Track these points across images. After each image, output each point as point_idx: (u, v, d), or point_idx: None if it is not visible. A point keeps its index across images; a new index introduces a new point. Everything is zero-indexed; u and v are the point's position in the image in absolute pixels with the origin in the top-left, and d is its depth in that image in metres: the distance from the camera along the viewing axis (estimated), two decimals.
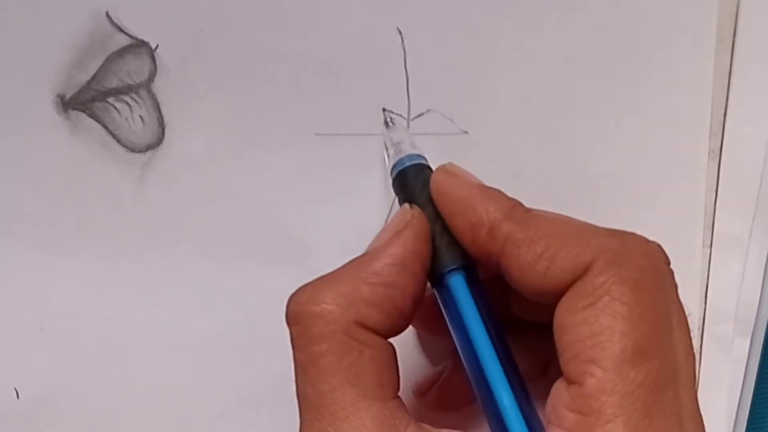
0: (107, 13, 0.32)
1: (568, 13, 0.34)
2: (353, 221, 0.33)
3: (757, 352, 0.35)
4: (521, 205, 0.26)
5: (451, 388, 0.31)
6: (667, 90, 0.34)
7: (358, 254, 0.26)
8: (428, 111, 0.34)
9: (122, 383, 0.34)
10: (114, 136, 0.33)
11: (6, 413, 0.34)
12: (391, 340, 0.25)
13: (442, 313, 0.27)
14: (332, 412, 0.23)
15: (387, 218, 0.33)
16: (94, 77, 0.33)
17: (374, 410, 0.23)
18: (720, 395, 0.34)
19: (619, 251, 0.24)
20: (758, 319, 0.34)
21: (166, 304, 0.34)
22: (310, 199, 0.34)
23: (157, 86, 0.33)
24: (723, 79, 0.34)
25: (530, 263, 0.24)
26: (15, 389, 0.34)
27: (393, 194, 0.30)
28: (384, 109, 0.33)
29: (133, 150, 0.33)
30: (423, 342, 0.34)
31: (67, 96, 0.33)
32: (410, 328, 0.32)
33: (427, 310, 0.28)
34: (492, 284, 0.27)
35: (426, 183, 0.28)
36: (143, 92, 0.33)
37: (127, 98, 0.33)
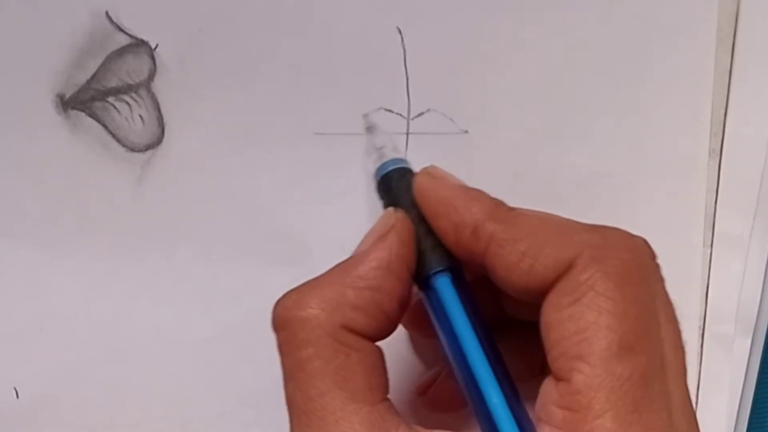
0: (107, 13, 0.32)
1: (568, 13, 0.34)
2: (353, 221, 0.33)
3: (758, 351, 0.35)
4: (504, 204, 0.26)
5: (448, 388, 0.31)
6: (667, 90, 0.34)
7: None
8: (428, 110, 0.34)
9: (122, 383, 0.34)
10: (114, 135, 0.33)
11: (6, 413, 0.34)
12: (385, 343, 0.25)
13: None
14: (321, 417, 0.23)
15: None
16: (93, 77, 0.33)
17: (364, 413, 0.23)
18: (721, 395, 0.34)
19: (602, 246, 0.24)
20: (759, 319, 0.34)
21: (165, 304, 0.34)
22: (310, 199, 0.34)
23: (157, 86, 0.33)
24: (723, 79, 0.34)
25: (514, 262, 0.24)
26: (15, 389, 0.34)
27: None
28: (365, 115, 0.33)
29: (132, 149, 0.33)
30: (416, 344, 0.34)
31: (67, 95, 0.33)
32: (404, 330, 0.32)
33: (418, 313, 0.28)
34: (483, 284, 0.27)
35: (409, 186, 0.28)
36: (143, 92, 0.33)
37: (126, 98, 0.33)
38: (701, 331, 0.35)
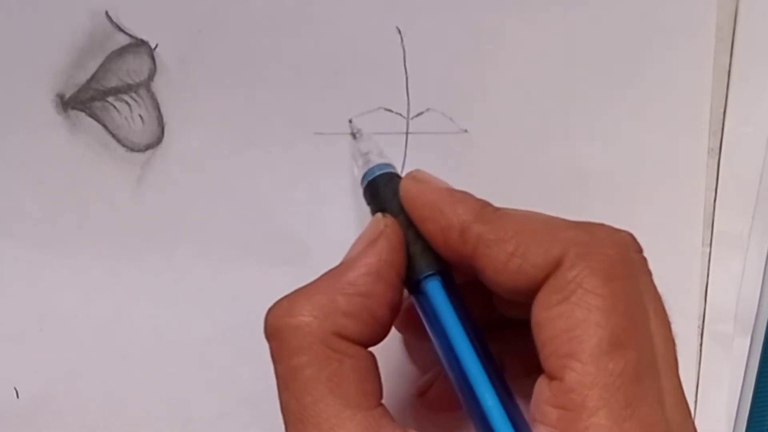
0: (107, 13, 0.32)
1: (567, 13, 0.34)
2: (353, 221, 0.33)
3: (758, 350, 0.35)
4: (490, 205, 0.26)
5: (447, 389, 0.31)
6: (666, 89, 0.34)
7: None
8: (428, 110, 0.34)
9: (122, 383, 0.34)
10: (113, 135, 0.33)
11: (5, 413, 0.33)
12: (380, 347, 0.25)
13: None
14: (316, 424, 0.23)
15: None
16: (93, 76, 0.33)
17: (358, 419, 0.23)
18: (720, 394, 0.34)
19: (587, 243, 0.24)
20: (758, 318, 0.34)
21: (165, 304, 0.34)
22: (310, 199, 0.34)
23: (157, 86, 0.33)
24: (722, 78, 0.34)
25: (503, 262, 0.24)
26: (14, 389, 0.34)
27: None
28: (350, 120, 0.33)
29: (132, 149, 0.33)
30: (410, 348, 0.34)
31: (67, 95, 0.33)
32: (398, 335, 0.32)
33: (412, 317, 0.28)
34: (475, 286, 0.27)
35: (396, 191, 0.28)
36: (143, 91, 0.33)
37: (126, 98, 0.33)
38: (700, 330, 0.35)
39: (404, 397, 0.33)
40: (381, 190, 0.29)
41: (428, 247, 0.27)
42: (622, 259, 0.24)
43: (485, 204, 0.26)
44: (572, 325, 0.23)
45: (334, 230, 0.33)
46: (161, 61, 0.33)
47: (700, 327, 0.35)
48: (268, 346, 0.25)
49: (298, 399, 0.23)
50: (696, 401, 0.34)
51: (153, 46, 0.33)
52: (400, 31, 0.33)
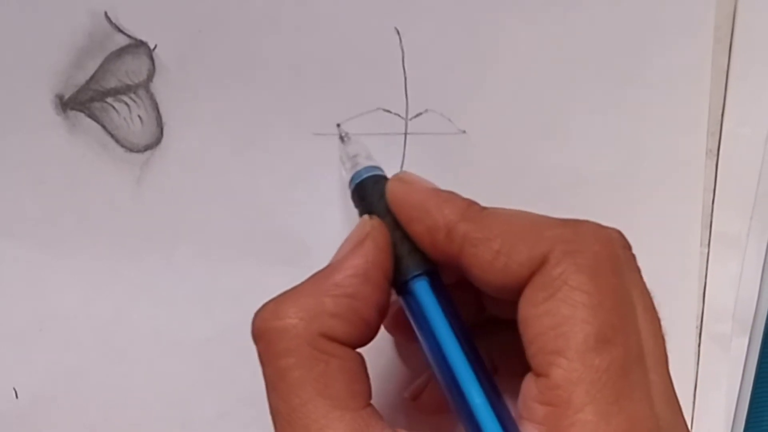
0: (106, 14, 0.32)
1: (566, 13, 0.34)
2: (353, 221, 0.33)
3: (756, 350, 0.35)
4: (476, 204, 0.26)
5: (440, 392, 0.31)
6: (664, 90, 0.34)
7: None
8: (426, 111, 0.34)
9: (122, 383, 0.34)
10: (113, 136, 0.33)
11: (5, 413, 0.33)
12: (371, 348, 0.25)
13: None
14: (305, 426, 0.23)
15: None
16: (92, 77, 0.33)
17: (347, 419, 0.23)
18: (719, 394, 0.34)
19: (573, 240, 0.24)
20: (756, 318, 0.35)
21: (165, 304, 0.34)
22: (310, 199, 0.34)
23: (156, 86, 0.33)
24: (720, 79, 0.34)
25: (489, 261, 0.25)
26: (14, 389, 0.34)
27: None
28: (338, 125, 0.33)
29: (131, 150, 0.33)
30: (401, 349, 0.34)
31: (66, 96, 0.33)
32: (388, 336, 0.32)
33: (402, 318, 0.28)
34: (464, 286, 0.27)
35: (383, 193, 0.28)
36: (142, 92, 0.33)
37: (125, 98, 0.33)
38: (699, 331, 0.35)
39: (394, 398, 0.34)
40: (368, 192, 0.29)
41: (415, 248, 0.27)
42: (608, 256, 0.24)
43: (471, 203, 0.26)
44: (558, 321, 0.23)
45: (334, 230, 0.33)
46: (160, 62, 0.33)
47: (699, 327, 0.35)
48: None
49: (286, 401, 0.24)
50: (694, 401, 0.35)
51: (152, 46, 0.33)
52: (398, 32, 0.33)
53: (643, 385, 0.23)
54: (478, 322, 0.31)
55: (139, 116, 0.33)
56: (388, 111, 0.33)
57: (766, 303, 0.35)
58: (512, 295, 0.25)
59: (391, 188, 0.28)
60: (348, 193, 0.30)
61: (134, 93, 0.33)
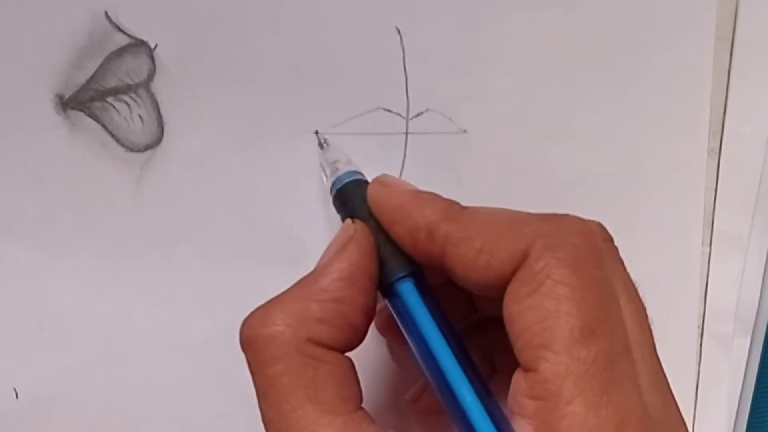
0: (106, 13, 0.32)
1: (567, 13, 0.34)
2: None
3: (758, 350, 0.35)
4: (456, 204, 0.26)
5: None
6: (666, 89, 0.34)
7: None
8: (427, 110, 0.34)
9: (122, 383, 0.34)
10: (113, 135, 0.33)
11: (5, 413, 0.34)
12: (363, 351, 0.25)
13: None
14: None
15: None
16: (93, 77, 0.33)
17: (338, 424, 0.23)
18: (720, 394, 0.34)
19: (553, 234, 0.24)
20: (758, 318, 0.34)
21: (165, 304, 0.34)
22: (310, 199, 0.34)
23: (156, 86, 0.33)
24: (722, 78, 0.34)
25: (471, 259, 0.25)
26: (14, 389, 0.34)
27: None
28: (316, 132, 0.33)
29: (132, 150, 0.33)
30: (395, 351, 0.34)
31: (66, 96, 0.33)
32: (380, 338, 0.32)
33: (393, 321, 0.28)
34: (455, 286, 0.27)
35: (365, 197, 0.28)
36: (142, 92, 0.33)
37: (126, 98, 0.33)
38: (700, 331, 0.35)
39: (386, 399, 0.34)
40: (350, 196, 0.29)
41: (399, 250, 0.27)
42: (589, 248, 0.24)
43: (452, 203, 0.26)
44: (543, 315, 0.23)
45: (334, 230, 0.33)
46: (160, 62, 0.33)
47: (700, 327, 0.35)
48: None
49: (276, 408, 0.24)
50: (696, 401, 0.34)
51: (152, 46, 0.33)
52: (399, 32, 0.33)
53: (630, 375, 0.23)
54: (473, 322, 0.31)
55: (139, 116, 0.33)
56: (389, 110, 0.33)
57: (767, 303, 0.35)
58: (497, 292, 0.25)
59: (372, 192, 0.28)
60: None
61: (135, 92, 0.33)
